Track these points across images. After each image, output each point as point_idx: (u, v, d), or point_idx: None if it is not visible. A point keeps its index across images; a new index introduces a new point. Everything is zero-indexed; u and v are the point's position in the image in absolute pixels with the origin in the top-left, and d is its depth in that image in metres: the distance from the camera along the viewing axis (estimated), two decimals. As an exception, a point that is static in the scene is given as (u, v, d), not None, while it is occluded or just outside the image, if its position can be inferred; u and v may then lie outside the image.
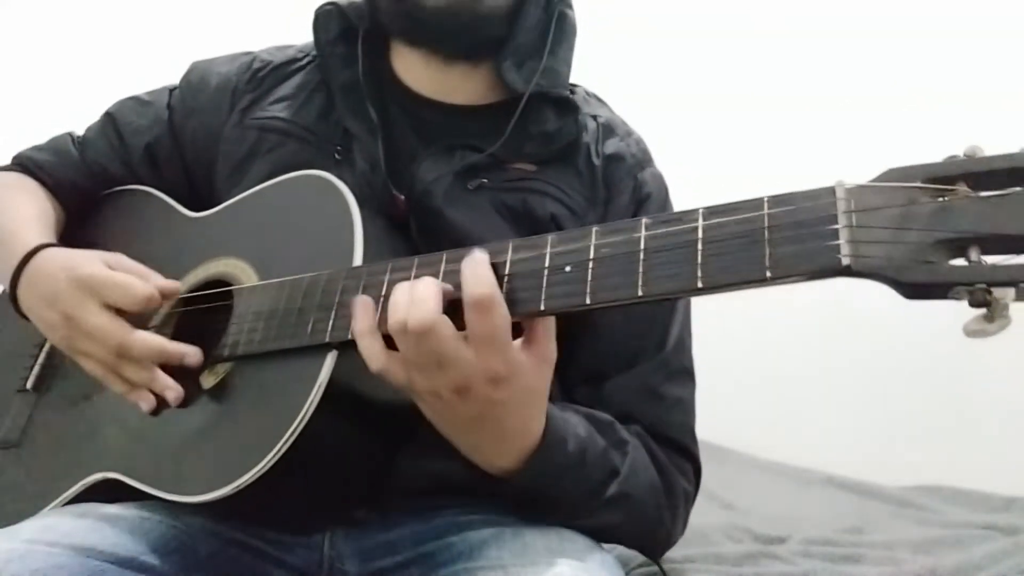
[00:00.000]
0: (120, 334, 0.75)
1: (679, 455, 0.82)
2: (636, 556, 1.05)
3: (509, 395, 0.63)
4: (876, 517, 1.47)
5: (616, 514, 0.75)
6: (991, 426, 1.80)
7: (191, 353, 0.76)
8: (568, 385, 0.84)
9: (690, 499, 0.84)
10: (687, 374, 0.86)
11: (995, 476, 1.57)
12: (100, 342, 0.76)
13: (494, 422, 0.66)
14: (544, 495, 0.72)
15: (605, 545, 0.78)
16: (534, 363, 0.64)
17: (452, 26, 0.82)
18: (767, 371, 1.99)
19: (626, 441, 0.77)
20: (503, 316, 0.60)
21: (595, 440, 0.74)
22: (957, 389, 1.85)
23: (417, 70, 0.89)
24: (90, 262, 0.79)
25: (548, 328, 0.64)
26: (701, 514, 1.34)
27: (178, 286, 0.79)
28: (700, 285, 0.53)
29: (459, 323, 0.61)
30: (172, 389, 0.75)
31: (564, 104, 0.87)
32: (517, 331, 0.63)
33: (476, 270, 0.60)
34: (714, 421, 1.22)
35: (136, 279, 0.77)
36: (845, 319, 1.92)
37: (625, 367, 0.83)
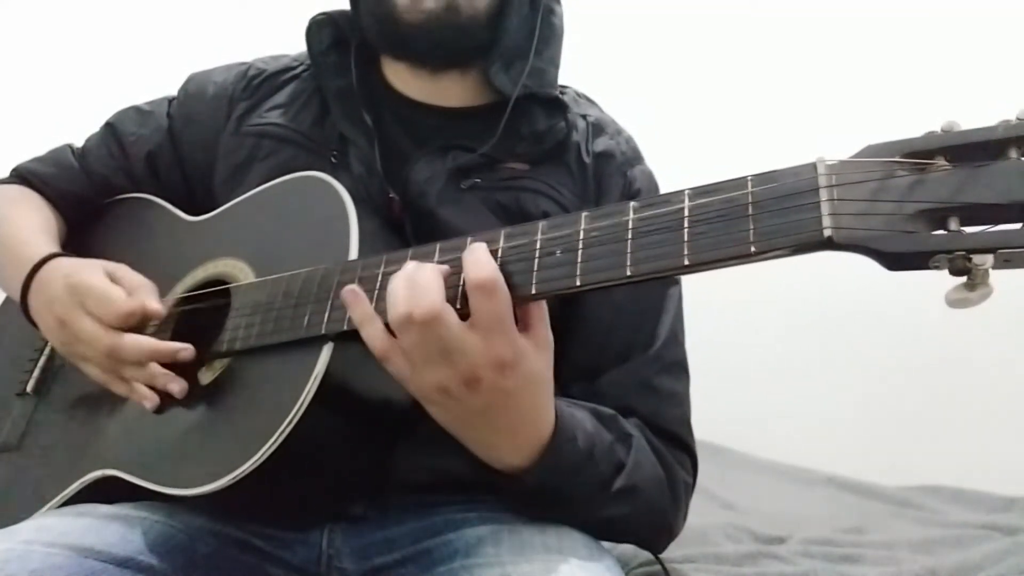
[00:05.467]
0: (109, 338, 0.76)
1: (676, 447, 0.82)
2: (636, 555, 1.05)
3: (516, 382, 0.63)
4: (876, 517, 1.47)
5: (623, 506, 0.75)
6: (991, 426, 1.80)
7: (183, 348, 0.76)
8: (563, 382, 0.84)
9: (689, 491, 0.84)
10: (681, 367, 0.87)
11: (995, 476, 1.57)
12: (92, 346, 0.77)
13: (504, 413, 0.65)
14: (556, 493, 0.72)
15: (605, 544, 0.78)
16: (534, 348, 0.64)
17: (432, 40, 0.84)
18: (768, 371, 1.99)
19: (630, 435, 0.77)
20: (507, 298, 0.60)
21: (602, 435, 0.74)
22: (958, 389, 1.85)
23: (407, 79, 0.90)
24: (89, 270, 0.80)
25: (542, 313, 0.65)
26: (701, 514, 1.34)
27: (163, 311, 0.79)
28: (687, 262, 0.54)
29: (460, 314, 0.61)
30: (175, 382, 0.75)
31: (553, 104, 0.89)
32: None
33: (477, 256, 0.61)
34: (714, 420, 1.22)
35: (122, 294, 0.78)
36: (847, 319, 1.92)
37: (618, 361, 0.83)
